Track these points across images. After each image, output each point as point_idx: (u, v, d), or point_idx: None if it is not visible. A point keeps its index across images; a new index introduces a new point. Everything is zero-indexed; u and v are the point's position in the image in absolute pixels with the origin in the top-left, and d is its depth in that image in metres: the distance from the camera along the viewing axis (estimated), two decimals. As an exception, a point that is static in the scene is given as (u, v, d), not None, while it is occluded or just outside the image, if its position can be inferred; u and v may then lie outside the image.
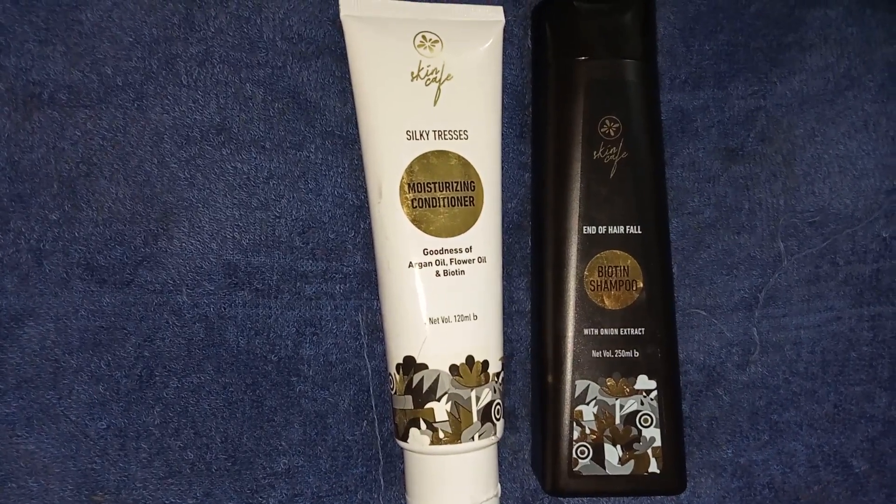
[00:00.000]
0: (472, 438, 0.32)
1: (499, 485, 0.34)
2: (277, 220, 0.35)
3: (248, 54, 0.35)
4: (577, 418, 0.33)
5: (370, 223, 0.34)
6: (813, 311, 0.38)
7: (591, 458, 0.33)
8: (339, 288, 0.36)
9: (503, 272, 0.35)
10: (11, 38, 0.33)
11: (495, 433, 0.33)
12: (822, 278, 0.38)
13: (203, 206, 0.34)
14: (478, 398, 0.33)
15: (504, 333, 0.35)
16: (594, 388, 0.33)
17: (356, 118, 0.34)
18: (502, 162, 0.35)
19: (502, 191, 0.35)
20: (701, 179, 0.38)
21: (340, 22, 0.34)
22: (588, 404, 0.33)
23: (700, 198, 0.38)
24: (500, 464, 0.34)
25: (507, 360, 0.36)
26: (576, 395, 0.33)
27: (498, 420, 0.33)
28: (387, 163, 0.33)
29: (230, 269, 0.35)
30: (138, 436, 0.34)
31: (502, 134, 0.35)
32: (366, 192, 0.34)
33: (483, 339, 0.33)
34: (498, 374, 0.33)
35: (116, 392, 0.34)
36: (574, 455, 0.33)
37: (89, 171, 0.33)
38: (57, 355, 0.33)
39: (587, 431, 0.33)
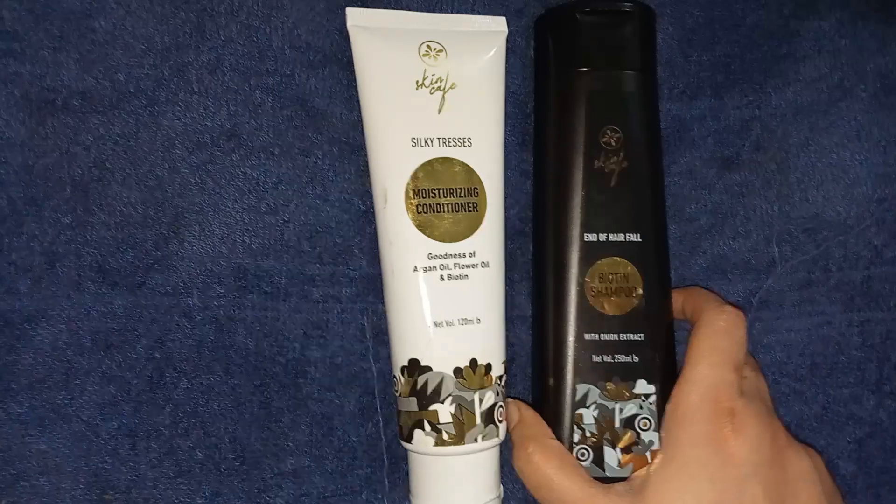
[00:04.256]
0: (476, 440, 0.33)
1: (501, 486, 0.35)
2: (286, 225, 0.36)
3: (257, 62, 0.35)
4: (577, 421, 0.34)
5: (376, 228, 0.35)
6: (804, 315, 0.39)
7: (592, 461, 0.34)
8: (346, 291, 0.36)
9: (505, 277, 0.36)
10: (26, 45, 0.33)
11: (498, 435, 0.34)
12: (815, 284, 0.39)
13: (213, 210, 0.35)
14: (481, 400, 0.33)
15: (506, 338, 0.35)
16: (594, 392, 0.34)
17: (362, 125, 0.35)
18: (505, 169, 0.36)
19: (505, 197, 0.36)
20: (697, 187, 0.39)
21: (347, 31, 0.34)
22: (588, 408, 0.34)
23: (696, 205, 0.39)
24: (502, 465, 0.35)
25: (508, 363, 0.37)
26: (576, 398, 0.34)
27: (500, 422, 0.34)
28: (392, 169, 0.34)
29: (239, 272, 0.35)
30: (148, 436, 0.34)
31: (505, 141, 0.36)
32: (372, 197, 0.35)
33: (486, 343, 0.34)
34: (501, 377, 0.34)
35: (127, 393, 0.34)
36: (574, 457, 0.34)
37: (102, 175, 0.34)
38: (69, 356, 0.34)
39: (587, 434, 0.34)
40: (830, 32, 0.40)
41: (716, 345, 0.32)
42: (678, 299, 0.36)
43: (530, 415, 0.34)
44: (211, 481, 0.35)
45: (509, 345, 0.37)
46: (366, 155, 0.35)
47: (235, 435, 0.35)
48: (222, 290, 0.35)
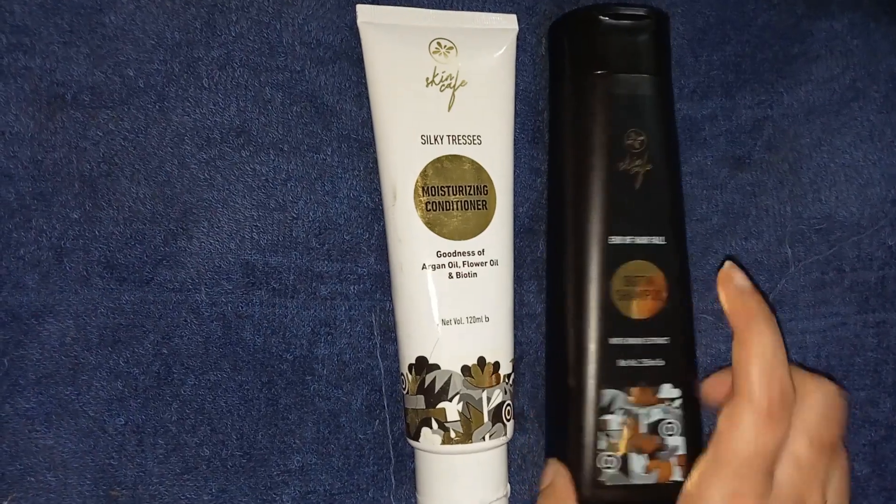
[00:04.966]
0: (483, 438, 0.33)
1: (508, 485, 0.34)
2: (294, 222, 0.36)
3: (267, 58, 0.35)
4: (602, 428, 0.33)
5: (384, 225, 0.35)
6: (819, 316, 0.39)
7: (618, 468, 0.33)
8: (354, 289, 0.36)
9: (514, 275, 0.35)
10: (36, 39, 0.33)
11: (506, 433, 0.34)
12: (828, 284, 0.39)
13: (222, 206, 0.35)
14: (489, 399, 0.33)
15: (514, 336, 0.35)
16: (620, 398, 0.33)
17: (372, 122, 0.35)
18: (514, 167, 0.36)
19: (514, 195, 0.36)
20: (709, 187, 0.39)
21: (357, 28, 0.35)
22: (614, 413, 0.33)
23: (708, 204, 0.39)
24: (509, 464, 0.35)
25: (516, 362, 0.37)
26: (601, 404, 0.33)
27: (508, 421, 0.34)
28: (401, 166, 0.34)
29: (248, 268, 0.35)
30: (155, 432, 0.34)
31: (514, 139, 0.36)
32: (380, 194, 0.35)
33: (495, 341, 0.34)
34: (509, 376, 0.34)
35: (134, 389, 0.34)
36: (599, 465, 0.33)
37: (110, 170, 0.34)
38: (76, 352, 0.34)
39: (613, 441, 0.33)
40: (842, 33, 0.40)
41: (738, 449, 0.30)
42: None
43: (563, 483, 0.33)
44: (217, 478, 0.35)
45: (518, 343, 0.37)
46: (375, 152, 0.35)
47: (242, 432, 0.35)
48: (230, 287, 0.35)
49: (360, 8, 0.35)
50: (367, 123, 0.36)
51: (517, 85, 0.37)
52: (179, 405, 0.34)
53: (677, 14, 0.39)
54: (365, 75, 0.35)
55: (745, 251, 0.39)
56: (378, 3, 0.35)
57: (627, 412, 0.33)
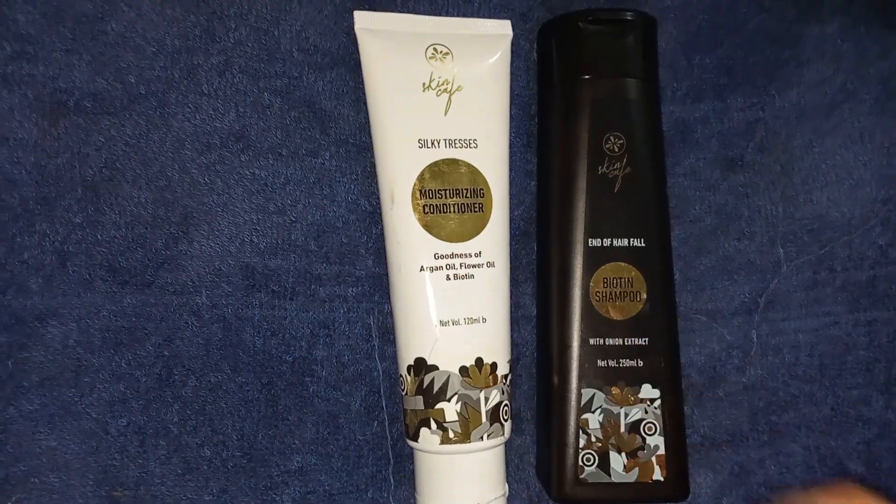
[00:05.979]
0: (481, 438, 0.33)
1: (506, 484, 0.35)
2: (293, 225, 0.36)
3: (266, 65, 0.36)
4: (583, 426, 0.34)
5: (382, 228, 0.35)
6: (811, 315, 0.39)
7: (597, 466, 0.33)
8: (352, 291, 0.37)
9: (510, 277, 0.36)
10: (39, 47, 0.34)
11: (503, 433, 0.34)
12: (820, 284, 0.39)
13: (222, 210, 0.35)
14: (486, 399, 0.33)
15: (511, 337, 0.35)
16: (600, 397, 0.34)
17: (369, 127, 0.35)
18: (510, 170, 0.36)
19: (510, 198, 0.36)
20: (702, 188, 0.39)
21: (355, 34, 0.35)
22: (594, 412, 0.34)
23: (701, 206, 0.39)
24: (506, 464, 0.35)
25: (513, 363, 0.37)
26: (582, 403, 0.34)
27: (506, 421, 0.34)
28: (399, 170, 0.34)
29: (247, 271, 0.35)
30: (157, 433, 0.35)
31: (510, 143, 0.36)
32: (378, 198, 0.35)
33: (492, 342, 0.34)
34: (506, 376, 0.34)
35: (136, 390, 0.34)
36: (580, 462, 0.33)
37: (112, 175, 0.34)
38: (79, 354, 0.34)
39: (593, 439, 0.34)
40: (833, 37, 0.40)
41: None
42: None
43: None
44: (218, 478, 0.35)
45: (514, 344, 0.37)
46: (373, 156, 0.35)
47: (243, 433, 0.35)
48: (230, 289, 0.35)
49: (357, 14, 0.35)
50: (364, 128, 0.37)
51: (512, 89, 0.37)
52: (181, 406, 0.35)
53: (670, 17, 0.39)
54: (362, 80, 0.35)
55: (737, 252, 0.39)
56: (375, 10, 0.36)
57: (608, 411, 0.34)
